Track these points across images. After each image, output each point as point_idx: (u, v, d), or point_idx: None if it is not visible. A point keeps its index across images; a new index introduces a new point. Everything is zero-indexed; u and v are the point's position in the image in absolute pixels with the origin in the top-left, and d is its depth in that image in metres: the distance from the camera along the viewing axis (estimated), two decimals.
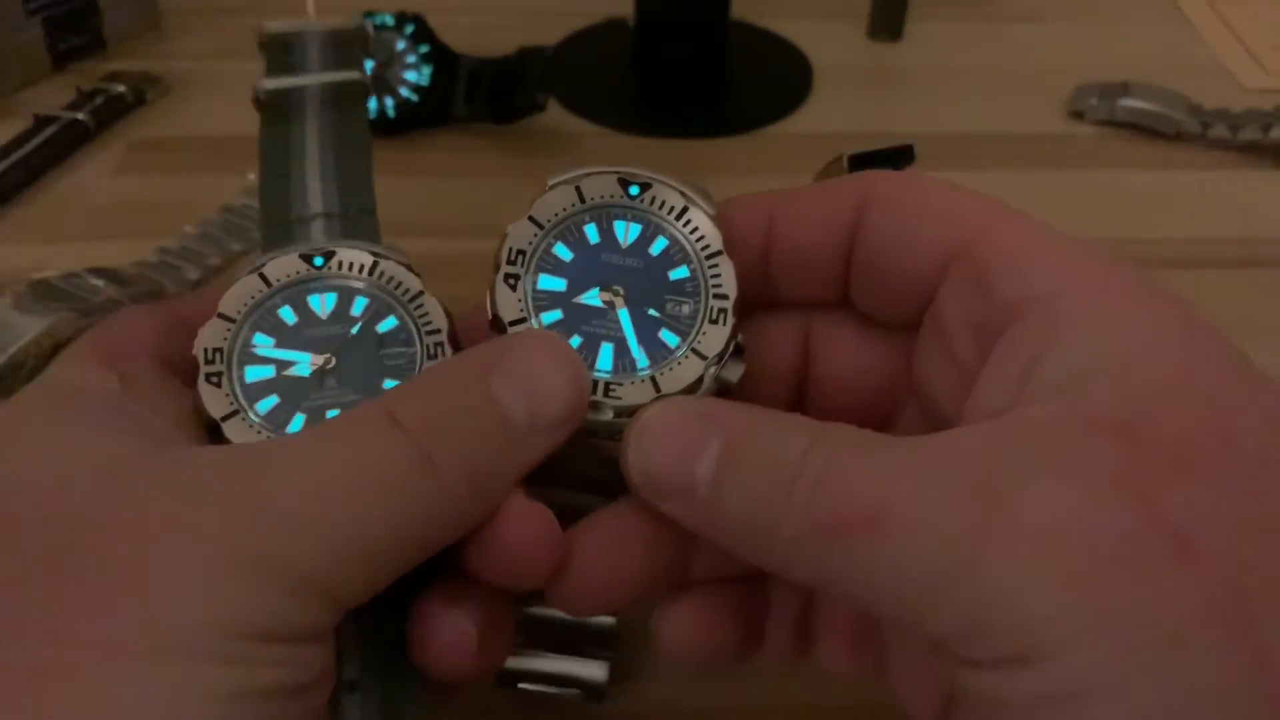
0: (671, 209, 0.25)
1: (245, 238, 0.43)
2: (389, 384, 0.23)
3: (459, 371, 0.21)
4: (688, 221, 0.24)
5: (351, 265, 0.24)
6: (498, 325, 0.23)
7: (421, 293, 0.24)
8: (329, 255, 0.24)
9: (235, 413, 0.22)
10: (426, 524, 0.19)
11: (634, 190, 0.25)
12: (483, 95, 0.49)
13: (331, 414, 0.22)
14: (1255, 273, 0.44)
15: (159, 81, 0.53)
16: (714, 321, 0.23)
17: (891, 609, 0.18)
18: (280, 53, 0.25)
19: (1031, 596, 0.16)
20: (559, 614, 0.28)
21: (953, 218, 0.22)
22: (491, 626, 0.21)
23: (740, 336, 0.24)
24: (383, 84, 0.49)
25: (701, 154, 0.49)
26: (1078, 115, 0.52)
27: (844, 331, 0.25)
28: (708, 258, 0.24)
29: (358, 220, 0.25)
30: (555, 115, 0.51)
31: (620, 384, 0.23)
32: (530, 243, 0.24)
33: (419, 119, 0.49)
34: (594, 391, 0.22)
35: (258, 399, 0.22)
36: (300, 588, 0.17)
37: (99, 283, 0.39)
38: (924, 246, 0.22)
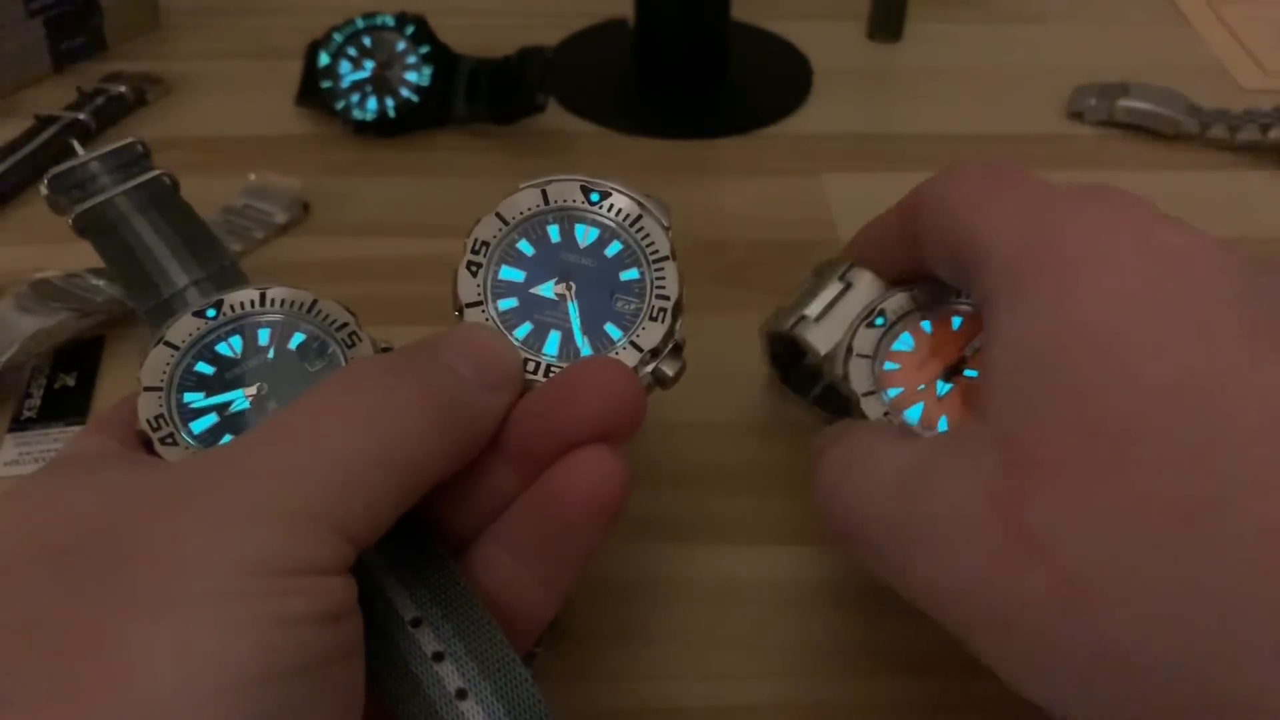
0: (627, 216, 0.27)
1: (246, 238, 0.43)
2: None
3: (405, 348, 0.24)
4: (640, 229, 0.27)
5: (241, 304, 0.25)
6: (456, 305, 0.26)
7: (316, 300, 0.26)
8: (218, 304, 0.25)
9: None
10: (403, 446, 0.21)
11: (594, 197, 0.27)
12: (483, 95, 0.49)
13: None
14: None
15: (160, 81, 0.53)
16: (654, 319, 0.26)
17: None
18: (73, 186, 0.26)
19: (940, 598, 0.21)
20: None
21: (956, 208, 0.25)
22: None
23: (679, 335, 0.26)
24: (383, 84, 0.49)
25: (701, 154, 0.49)
26: (1077, 116, 0.52)
27: None
28: (655, 262, 0.26)
29: (224, 275, 0.26)
30: (555, 115, 0.51)
31: (563, 367, 0.25)
32: (495, 236, 0.26)
33: (419, 119, 0.49)
34: (540, 373, 0.25)
35: (215, 443, 0.24)
36: (305, 524, 0.19)
37: (100, 283, 0.39)
38: (935, 246, 0.25)
